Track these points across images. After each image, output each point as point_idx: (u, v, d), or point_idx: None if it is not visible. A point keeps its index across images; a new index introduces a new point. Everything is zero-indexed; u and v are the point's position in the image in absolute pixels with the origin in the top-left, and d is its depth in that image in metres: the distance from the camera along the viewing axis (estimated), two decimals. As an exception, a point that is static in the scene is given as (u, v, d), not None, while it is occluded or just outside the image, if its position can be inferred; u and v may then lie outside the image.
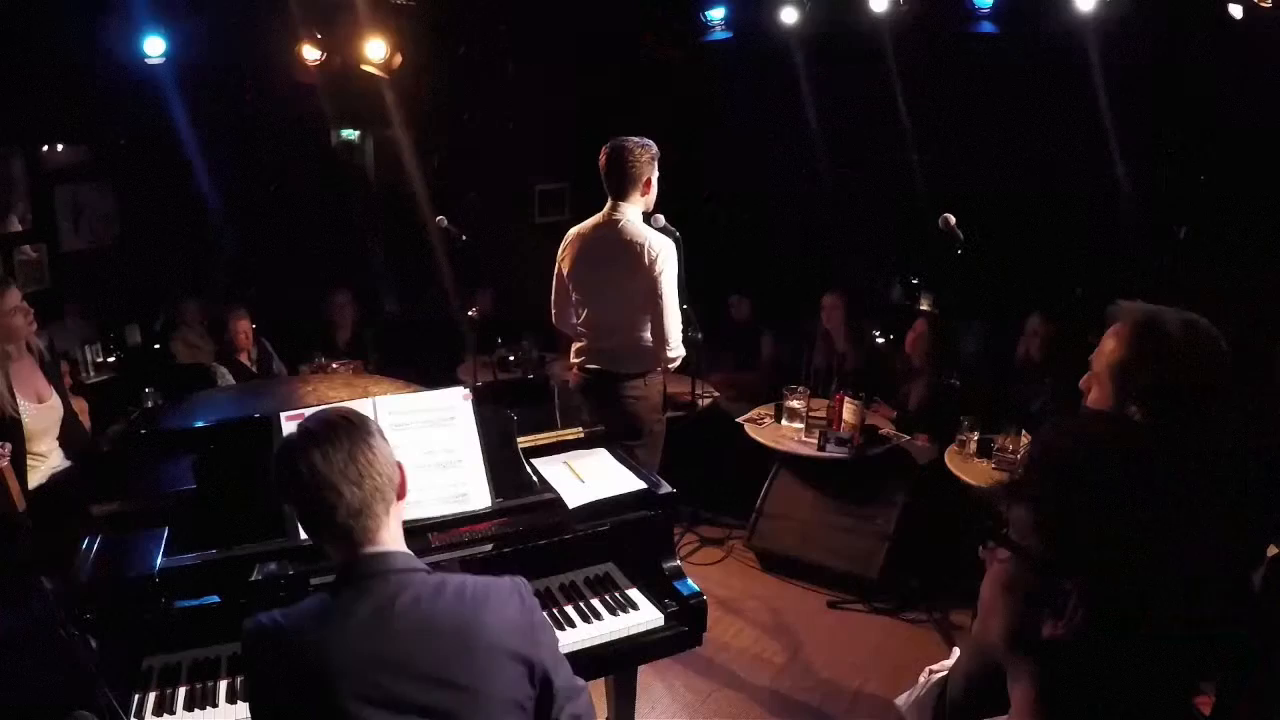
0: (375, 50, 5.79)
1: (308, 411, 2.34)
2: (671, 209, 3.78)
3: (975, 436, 4.26)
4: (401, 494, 1.68)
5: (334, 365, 5.34)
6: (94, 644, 1.50)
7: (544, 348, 5.83)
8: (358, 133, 8.63)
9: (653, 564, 2.60)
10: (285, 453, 1.63)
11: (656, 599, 2.53)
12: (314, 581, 2.16)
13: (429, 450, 2.44)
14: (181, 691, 2.07)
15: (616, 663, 2.58)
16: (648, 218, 3.72)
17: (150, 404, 4.64)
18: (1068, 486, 0.91)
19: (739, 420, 4.95)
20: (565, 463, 2.75)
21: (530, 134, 7.07)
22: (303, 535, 2.18)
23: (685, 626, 2.51)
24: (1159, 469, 0.90)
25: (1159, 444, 0.93)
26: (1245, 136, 5.34)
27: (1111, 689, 0.89)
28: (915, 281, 6.85)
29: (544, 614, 1.70)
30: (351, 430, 1.63)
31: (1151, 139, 5.78)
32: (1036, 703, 0.94)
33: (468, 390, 2.54)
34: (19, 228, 5.97)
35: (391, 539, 1.64)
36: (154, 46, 5.39)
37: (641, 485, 2.63)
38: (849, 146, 6.98)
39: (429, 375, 4.29)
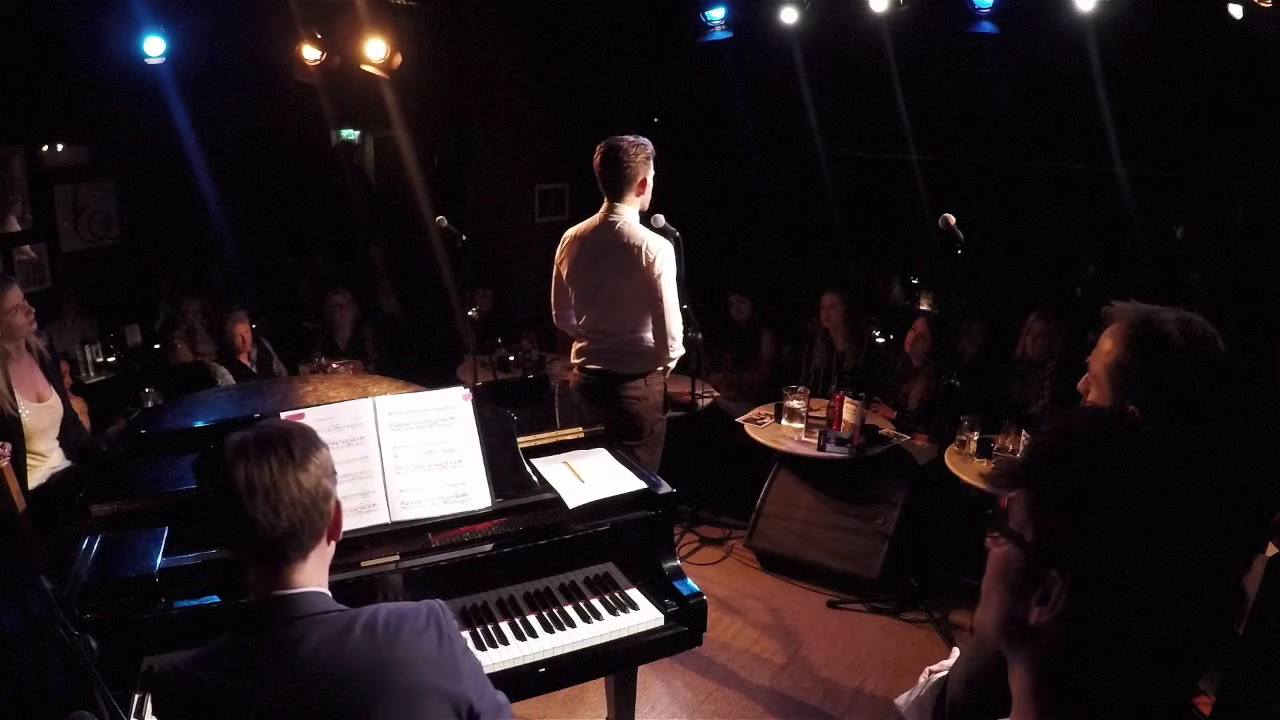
0: (375, 50, 5.80)
1: (307, 412, 2.36)
2: (671, 209, 3.78)
3: (975, 436, 4.26)
4: (334, 535, 1.56)
5: (334, 365, 5.34)
6: (94, 644, 1.49)
7: (544, 348, 5.83)
8: (358, 133, 8.65)
9: (652, 564, 2.60)
10: (209, 459, 1.47)
11: (656, 599, 2.54)
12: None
13: (429, 450, 2.44)
14: (181, 691, 2.07)
15: (616, 663, 2.58)
16: (646, 217, 3.72)
17: (150, 404, 4.64)
18: (1065, 475, 0.92)
19: (739, 420, 4.95)
20: (565, 463, 2.75)
21: (530, 134, 7.08)
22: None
23: (685, 626, 2.51)
24: (1156, 462, 0.90)
25: (1160, 440, 0.93)
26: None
27: (1105, 681, 0.89)
28: (915, 281, 6.86)
29: (463, 638, 1.58)
30: (288, 454, 1.48)
31: (1152, 139, 5.78)
32: (1035, 693, 0.94)
33: (468, 390, 2.54)
34: (19, 228, 5.98)
35: (307, 579, 1.51)
36: (154, 46, 5.39)
37: (641, 485, 2.63)
38: (849, 146, 6.99)
39: (429, 375, 4.28)
